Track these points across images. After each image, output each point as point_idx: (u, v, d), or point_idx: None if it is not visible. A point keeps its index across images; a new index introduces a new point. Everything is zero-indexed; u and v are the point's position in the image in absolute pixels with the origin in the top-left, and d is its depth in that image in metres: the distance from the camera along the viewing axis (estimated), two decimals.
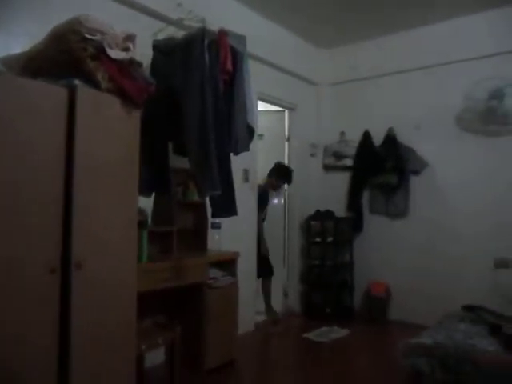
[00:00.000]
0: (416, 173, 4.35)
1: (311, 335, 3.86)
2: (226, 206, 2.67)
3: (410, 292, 4.32)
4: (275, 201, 4.68)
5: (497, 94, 3.76)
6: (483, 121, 3.93)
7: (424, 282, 4.26)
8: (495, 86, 3.76)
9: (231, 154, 2.75)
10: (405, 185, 4.36)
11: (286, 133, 4.70)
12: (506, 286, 3.84)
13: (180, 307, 3.01)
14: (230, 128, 2.63)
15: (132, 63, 2.15)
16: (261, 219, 4.24)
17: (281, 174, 4.31)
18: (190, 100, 2.51)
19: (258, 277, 4.18)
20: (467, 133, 4.09)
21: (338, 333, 3.93)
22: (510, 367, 2.26)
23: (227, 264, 3.17)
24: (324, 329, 4.03)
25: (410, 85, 4.43)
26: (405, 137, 4.40)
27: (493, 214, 3.96)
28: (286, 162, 4.66)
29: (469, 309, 3.21)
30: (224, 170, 2.55)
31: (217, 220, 3.27)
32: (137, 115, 2.21)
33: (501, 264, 3.91)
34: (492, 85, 3.77)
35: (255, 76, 3.77)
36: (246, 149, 2.77)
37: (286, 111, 4.69)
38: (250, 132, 2.79)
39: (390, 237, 4.50)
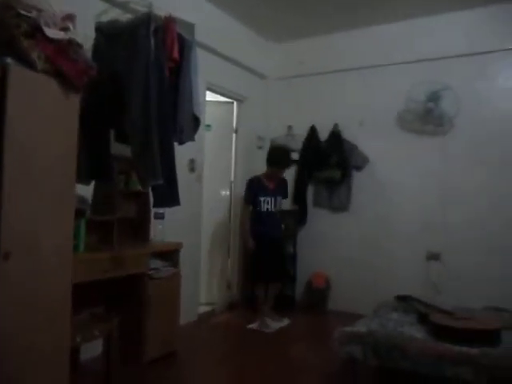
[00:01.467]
0: (358, 168, 4.52)
1: (254, 326, 3.92)
2: (169, 195, 2.62)
3: (350, 283, 4.50)
4: (224, 192, 4.65)
5: (433, 97, 3.97)
6: (421, 121, 4.14)
7: (362, 273, 4.45)
8: (432, 89, 3.97)
9: (176, 144, 2.71)
10: (347, 180, 4.52)
11: (234, 124, 4.70)
12: (436, 277, 4.10)
13: (120, 298, 2.94)
14: (174, 117, 2.58)
15: (71, 44, 2.05)
16: (247, 213, 4.07)
17: (270, 160, 4.07)
18: (133, 86, 2.43)
19: (267, 280, 4.01)
20: (406, 132, 4.30)
21: (280, 323, 4.02)
22: (434, 353, 2.40)
23: (170, 255, 3.13)
24: (266, 319, 4.09)
25: (354, 83, 4.58)
26: (349, 133, 4.55)
27: (426, 210, 4.20)
28: (233, 153, 4.66)
29: (402, 299, 3.39)
30: (167, 160, 2.50)
31: (160, 210, 3.22)
32: (75, 99, 2.11)
33: (432, 257, 4.17)
34: (429, 88, 3.97)
35: (204, 66, 3.72)
36: (191, 138, 2.74)
37: (235, 103, 4.69)
38: (196, 122, 2.75)
39: (332, 230, 4.65)
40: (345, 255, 4.57)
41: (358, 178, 4.53)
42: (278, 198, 4.08)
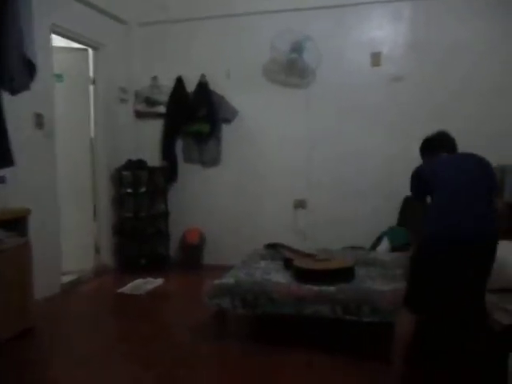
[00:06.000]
0: (228, 121, 4.45)
1: (125, 289, 3.74)
2: None
3: (224, 236, 4.54)
4: (83, 150, 4.20)
5: (297, 48, 4.00)
6: (286, 73, 4.18)
7: (236, 226, 4.52)
8: (295, 39, 3.98)
9: (8, 95, 2.30)
10: (217, 133, 4.43)
11: (91, 75, 4.21)
12: (302, 224, 4.34)
13: None
14: (1, 63, 2.16)
15: None
16: None
17: None
18: None
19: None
20: (273, 83, 4.32)
21: (153, 283, 3.90)
22: (297, 295, 2.53)
23: (15, 223, 2.75)
24: (138, 281, 3.95)
25: (220, 31, 4.41)
26: (217, 85, 4.42)
27: (294, 160, 4.35)
28: (91, 107, 4.21)
29: (270, 246, 3.52)
30: None
31: (1, 173, 2.79)
32: None
33: (299, 205, 4.38)
34: (293, 38, 3.98)
35: (47, 4, 3.24)
36: (26, 88, 2.36)
37: (90, 50, 4.18)
38: (31, 68, 2.35)
39: (205, 185, 4.58)
40: (218, 209, 4.56)
41: (228, 131, 4.48)
42: None
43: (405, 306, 2.13)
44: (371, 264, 3.05)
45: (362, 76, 4.11)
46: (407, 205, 4.01)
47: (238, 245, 4.43)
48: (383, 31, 4.06)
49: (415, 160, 3.79)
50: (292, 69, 4.13)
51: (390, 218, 4.06)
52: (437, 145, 2.34)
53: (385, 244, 3.68)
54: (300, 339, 2.65)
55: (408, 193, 3.91)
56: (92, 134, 4.23)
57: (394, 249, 3.61)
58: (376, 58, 4.05)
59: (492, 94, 3.85)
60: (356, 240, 4.06)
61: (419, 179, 2.28)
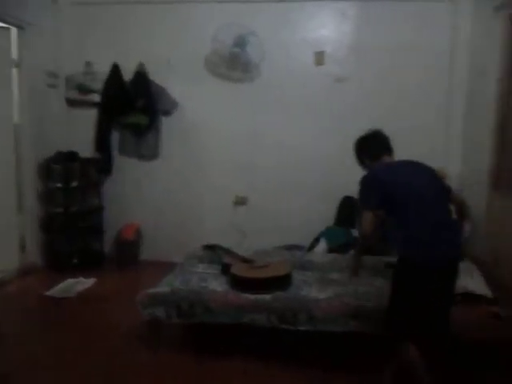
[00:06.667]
0: (167, 113, 4.27)
1: (54, 292, 3.51)
2: None
3: (163, 232, 4.41)
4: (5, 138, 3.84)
5: (240, 42, 3.89)
6: (228, 66, 4.06)
7: (175, 222, 4.40)
8: (238, 33, 3.86)
9: None
10: (156, 125, 4.24)
11: (15, 56, 3.84)
12: (242, 221, 4.30)
13: None
14: None
15: None
16: None
17: None
18: None
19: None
20: (215, 76, 4.18)
21: (85, 284, 3.70)
22: (234, 304, 2.50)
23: None
24: (69, 281, 3.73)
25: (161, 18, 4.18)
26: (156, 75, 4.19)
27: (236, 156, 4.27)
28: (15, 91, 3.85)
29: (209, 247, 3.44)
30: None
31: None
32: None
33: (239, 201, 4.33)
34: (236, 31, 3.85)
35: None
36: None
37: (14, 29, 3.80)
38: None
39: (142, 179, 4.39)
40: (157, 204, 4.41)
41: (167, 124, 4.29)
42: None
43: (386, 328, 2.11)
44: (308, 268, 3.08)
45: (306, 74, 4.08)
46: (345, 205, 4.10)
47: (176, 240, 4.33)
48: (328, 30, 4.04)
49: (355, 160, 3.91)
50: (234, 63, 4.02)
51: (329, 216, 4.14)
52: (377, 146, 2.29)
53: (322, 245, 3.74)
54: (236, 347, 2.63)
55: (346, 193, 4.10)
56: (16, 120, 3.87)
57: (331, 250, 3.68)
58: (319, 57, 4.03)
59: (433, 95, 3.93)
60: (295, 238, 4.10)
61: (373, 189, 2.12)
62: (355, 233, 3.83)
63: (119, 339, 2.76)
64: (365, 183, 2.18)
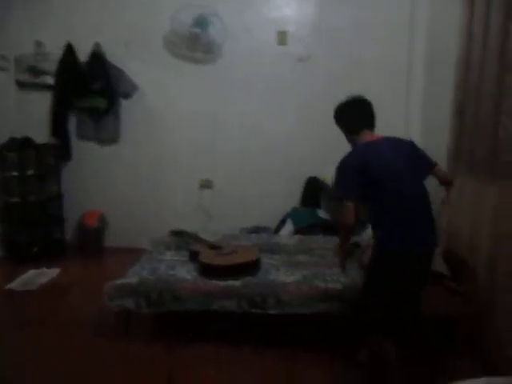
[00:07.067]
0: (126, 96, 4.12)
1: (15, 285, 3.38)
2: None
3: (127, 218, 4.32)
4: None
5: (201, 22, 3.77)
6: (189, 47, 3.94)
7: (139, 207, 4.31)
8: (199, 13, 3.74)
9: None
10: (115, 109, 4.09)
11: None
12: (208, 204, 4.28)
13: None
14: None
15: None
16: None
17: None
18: None
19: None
20: (176, 58, 4.05)
21: (48, 275, 3.59)
22: (203, 291, 2.50)
23: None
24: (31, 273, 3.61)
25: None
26: (114, 55, 4.02)
27: (199, 139, 4.20)
28: None
29: (176, 234, 3.41)
30: None
31: None
32: None
33: (204, 184, 4.30)
34: (196, 11, 3.73)
35: None
36: None
37: None
38: None
39: (103, 164, 4.26)
40: (120, 190, 4.30)
41: (127, 107, 4.15)
42: None
43: (358, 312, 2.14)
44: (276, 251, 3.11)
45: (269, 54, 4.02)
46: (310, 185, 4.14)
47: (142, 226, 4.28)
48: (291, 10, 3.97)
49: (320, 140, 3.95)
50: (195, 44, 3.90)
51: (295, 197, 4.18)
52: (355, 119, 2.12)
53: (289, 226, 3.78)
54: (206, 333, 2.65)
55: (311, 173, 4.15)
56: None
57: (297, 231, 3.73)
58: (282, 37, 3.98)
59: (394, 74, 3.96)
60: (262, 219, 4.13)
61: (351, 178, 2.01)
62: (321, 213, 3.90)
63: (88, 332, 2.71)
64: (341, 170, 2.07)
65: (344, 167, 2.05)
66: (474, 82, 2.59)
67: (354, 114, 2.14)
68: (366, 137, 2.11)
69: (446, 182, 2.29)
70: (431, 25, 3.63)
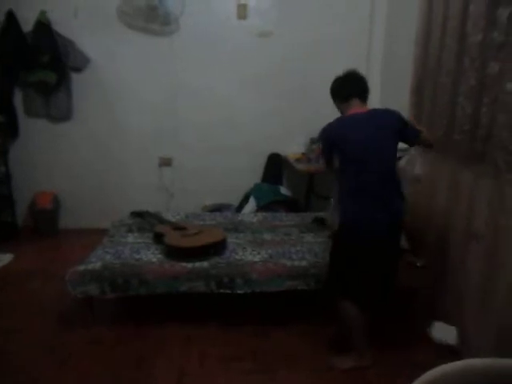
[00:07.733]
0: (78, 70, 3.88)
1: None
2: None
3: (83, 198, 4.17)
4: None
5: None
6: (144, 19, 3.75)
7: (96, 186, 4.17)
8: None
9: None
10: (66, 83, 3.85)
11: None
12: (169, 183, 4.20)
13: None
14: None
15: None
16: None
17: None
18: None
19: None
20: (131, 29, 3.85)
21: (1, 261, 3.41)
22: (170, 274, 2.47)
23: None
24: None
25: None
26: (62, 26, 3.76)
27: (158, 115, 4.07)
28: None
29: (137, 215, 3.32)
30: None
31: None
32: None
33: (164, 162, 4.19)
34: None
35: None
36: None
37: None
38: None
39: (55, 142, 4.03)
40: (74, 169, 4.11)
41: (79, 82, 3.92)
42: None
43: (326, 291, 2.25)
44: (240, 230, 3.12)
45: (228, 28, 3.92)
46: (272, 161, 4.15)
47: (99, 206, 4.16)
48: None
49: (282, 117, 3.94)
50: (153, 15, 3.71)
51: (257, 173, 4.18)
52: (346, 88, 2.18)
53: (251, 204, 3.79)
54: (175, 315, 2.64)
55: (273, 149, 4.15)
56: None
57: (260, 208, 3.74)
58: (242, 10, 3.87)
59: (354, 50, 3.95)
60: (224, 197, 4.12)
61: (326, 143, 2.16)
62: (283, 190, 3.93)
63: (50, 320, 2.61)
64: (321, 137, 2.24)
65: (322, 135, 2.21)
66: (433, 60, 2.65)
67: (346, 82, 2.21)
68: (354, 107, 2.15)
69: (429, 146, 2.38)
70: (392, 2, 3.65)
